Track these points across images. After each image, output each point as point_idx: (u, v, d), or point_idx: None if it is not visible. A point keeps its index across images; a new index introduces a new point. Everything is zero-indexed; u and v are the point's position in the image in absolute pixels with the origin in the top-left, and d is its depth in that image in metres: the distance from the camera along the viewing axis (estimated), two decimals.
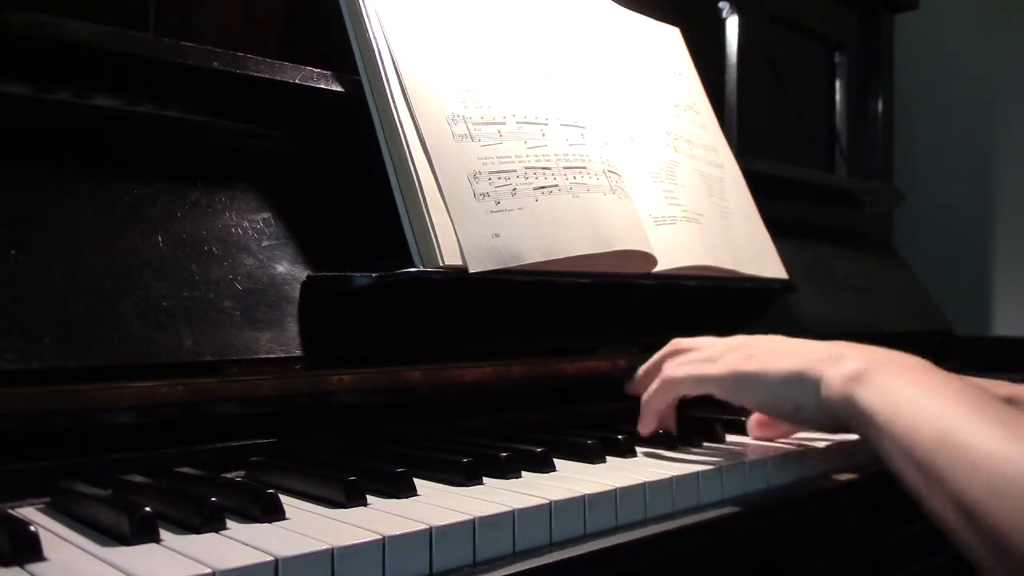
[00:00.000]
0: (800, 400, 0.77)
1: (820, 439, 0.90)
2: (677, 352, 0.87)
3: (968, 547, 0.62)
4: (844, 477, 0.85)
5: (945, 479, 0.62)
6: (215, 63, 0.81)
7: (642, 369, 0.90)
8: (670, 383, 0.84)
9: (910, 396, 0.69)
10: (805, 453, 0.86)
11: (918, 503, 0.66)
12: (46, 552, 0.51)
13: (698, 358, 0.84)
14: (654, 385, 0.84)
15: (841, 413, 0.73)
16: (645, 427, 0.86)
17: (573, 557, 0.60)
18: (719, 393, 0.82)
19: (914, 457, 0.65)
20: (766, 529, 0.78)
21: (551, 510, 0.62)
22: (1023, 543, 0.57)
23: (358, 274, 0.79)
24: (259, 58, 0.85)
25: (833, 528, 0.87)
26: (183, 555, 0.50)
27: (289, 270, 0.81)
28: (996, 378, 0.97)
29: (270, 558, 0.49)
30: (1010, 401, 0.89)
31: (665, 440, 0.86)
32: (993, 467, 0.60)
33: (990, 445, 0.61)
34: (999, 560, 0.59)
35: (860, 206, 1.75)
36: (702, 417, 0.93)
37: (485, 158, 0.87)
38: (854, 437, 0.79)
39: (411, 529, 0.55)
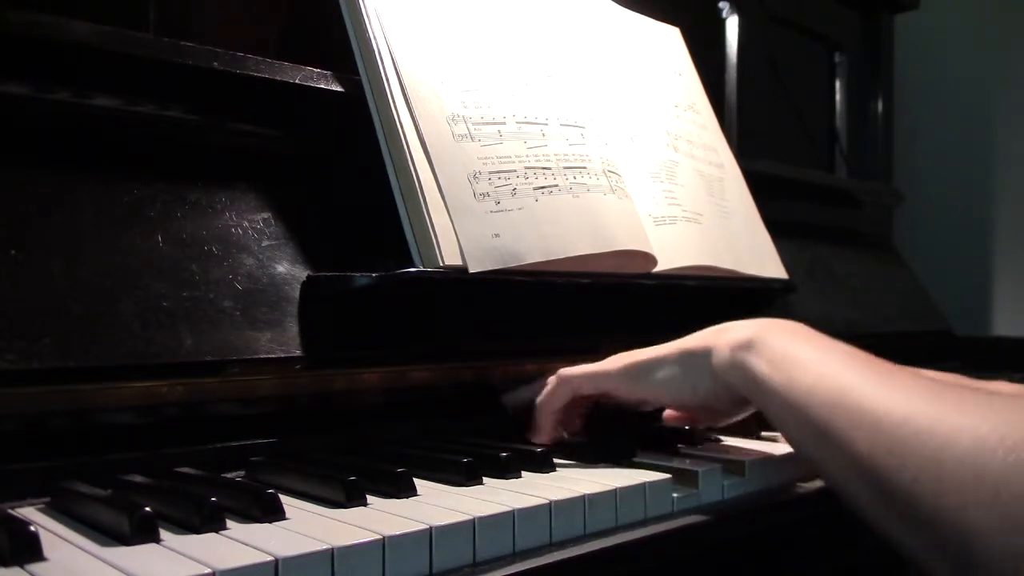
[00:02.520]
0: (695, 379, 0.76)
1: None
2: (562, 376, 0.85)
3: (866, 510, 0.61)
4: None
5: (842, 439, 0.61)
6: (215, 63, 0.81)
7: (523, 388, 0.88)
8: (564, 379, 0.82)
9: (802, 358, 0.68)
10: None
11: (811, 466, 0.66)
12: (46, 552, 0.51)
13: (589, 365, 0.84)
14: (549, 385, 0.83)
15: (734, 382, 0.72)
16: (542, 434, 0.83)
17: (573, 557, 0.60)
18: (616, 389, 0.80)
19: (809, 419, 0.64)
20: (767, 528, 0.78)
21: (551, 510, 0.62)
22: (925, 498, 0.55)
23: (358, 274, 0.79)
24: (259, 58, 0.85)
25: (834, 527, 0.87)
26: (183, 555, 0.50)
27: (289, 270, 0.81)
28: (996, 378, 0.97)
29: (270, 558, 0.49)
30: None
31: (664, 441, 0.86)
32: (894, 426, 0.58)
33: (889, 404, 0.60)
34: (900, 520, 0.58)
35: (860, 206, 1.75)
36: None
37: (485, 158, 0.87)
38: None
39: (411, 529, 0.55)
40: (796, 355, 0.68)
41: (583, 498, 0.64)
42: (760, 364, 0.70)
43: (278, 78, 0.85)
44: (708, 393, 0.76)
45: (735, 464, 0.77)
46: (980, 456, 0.53)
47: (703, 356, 0.75)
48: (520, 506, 0.60)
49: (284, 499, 0.60)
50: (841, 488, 0.63)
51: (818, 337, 0.71)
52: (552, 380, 0.83)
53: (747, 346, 0.71)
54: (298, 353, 0.77)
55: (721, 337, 0.74)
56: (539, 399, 0.83)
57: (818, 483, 0.83)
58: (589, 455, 0.78)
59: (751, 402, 0.73)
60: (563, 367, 0.86)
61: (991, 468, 0.53)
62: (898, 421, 0.58)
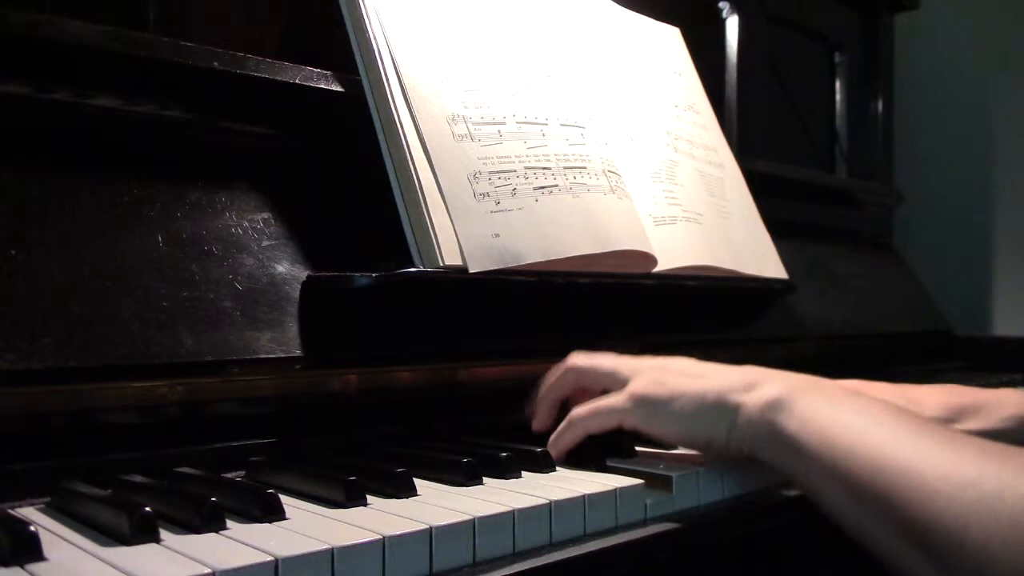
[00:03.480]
0: (712, 432, 0.72)
1: None
2: (572, 369, 0.82)
3: (916, 574, 0.59)
4: None
5: (891, 505, 0.59)
6: (215, 63, 0.81)
7: (540, 393, 0.85)
8: (577, 422, 0.78)
9: (839, 420, 0.65)
10: None
11: (851, 534, 0.63)
12: (46, 552, 0.51)
13: (604, 373, 0.80)
14: (561, 427, 0.79)
15: (760, 443, 0.69)
16: (557, 456, 0.79)
17: (573, 557, 0.60)
18: (628, 425, 0.76)
19: (850, 484, 0.62)
20: (768, 528, 0.78)
21: (551, 510, 0.62)
22: (999, 563, 0.55)
23: (358, 274, 0.79)
24: (259, 58, 0.85)
25: (835, 527, 0.87)
26: (183, 555, 0.50)
27: (289, 270, 0.81)
28: (997, 378, 0.97)
29: (270, 558, 0.49)
30: (971, 410, 0.90)
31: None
32: (957, 490, 0.57)
33: (948, 467, 0.58)
34: None
35: (860, 206, 1.75)
36: None
37: (485, 158, 0.87)
38: None
39: (411, 529, 0.55)
40: (832, 415, 0.65)
41: (583, 498, 0.64)
42: (792, 425, 0.66)
43: (278, 78, 0.85)
44: (722, 448, 0.72)
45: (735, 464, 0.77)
46: None
47: (727, 413, 0.71)
48: (520, 506, 0.60)
49: (284, 499, 0.60)
50: (886, 552, 0.61)
51: (850, 395, 0.69)
52: (564, 423, 0.79)
53: (778, 405, 0.68)
54: (298, 353, 0.77)
55: (750, 395, 0.70)
56: (552, 438, 0.79)
57: None
58: (589, 455, 0.78)
59: (773, 464, 0.70)
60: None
61: None
62: (961, 484, 0.57)
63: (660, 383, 0.76)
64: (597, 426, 0.78)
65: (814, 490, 0.66)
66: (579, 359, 0.83)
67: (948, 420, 0.89)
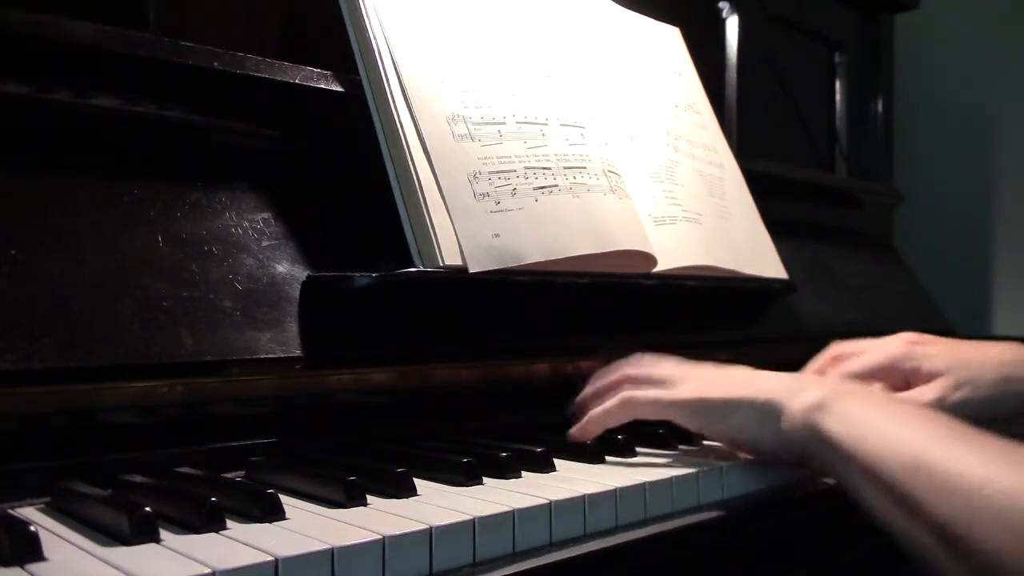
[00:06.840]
0: (759, 432, 0.76)
1: None
2: (627, 377, 0.84)
3: (946, 572, 0.61)
4: None
5: (920, 503, 0.62)
6: (215, 63, 0.81)
7: (592, 389, 0.86)
8: (632, 404, 0.81)
9: (875, 421, 0.69)
10: None
11: (886, 530, 0.66)
12: (46, 552, 0.51)
13: (658, 379, 0.82)
14: (613, 402, 0.81)
15: (804, 443, 0.72)
16: (586, 435, 0.82)
17: (573, 557, 0.60)
18: (679, 419, 0.80)
19: (883, 482, 0.65)
20: (768, 528, 0.78)
21: (551, 510, 0.62)
22: (1008, 564, 0.57)
23: (358, 274, 0.79)
24: (259, 58, 0.85)
25: (835, 526, 0.87)
26: (183, 555, 0.50)
27: (289, 270, 0.81)
28: None
29: (270, 558, 0.49)
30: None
31: (663, 440, 0.86)
32: (973, 489, 0.59)
33: (968, 467, 0.61)
34: None
35: (860, 206, 1.75)
36: None
37: (485, 158, 0.87)
38: None
39: (411, 529, 0.55)
40: (867, 418, 0.69)
41: (583, 498, 0.64)
42: (832, 425, 0.70)
43: (278, 78, 0.85)
44: (768, 449, 0.76)
45: (736, 464, 0.77)
46: None
47: (772, 415, 0.74)
48: (520, 506, 0.60)
49: (284, 499, 0.60)
50: (918, 548, 0.64)
51: (889, 400, 0.73)
52: (617, 399, 0.81)
53: (818, 408, 0.71)
54: (298, 353, 0.77)
55: (794, 398, 0.74)
56: (599, 411, 0.82)
57: (820, 484, 0.83)
58: (589, 454, 0.78)
59: (817, 463, 0.73)
60: (588, 364, 0.86)
61: None
62: (978, 484, 0.60)
63: (712, 386, 0.79)
64: (650, 414, 0.81)
65: (853, 487, 0.69)
66: (632, 369, 0.85)
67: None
